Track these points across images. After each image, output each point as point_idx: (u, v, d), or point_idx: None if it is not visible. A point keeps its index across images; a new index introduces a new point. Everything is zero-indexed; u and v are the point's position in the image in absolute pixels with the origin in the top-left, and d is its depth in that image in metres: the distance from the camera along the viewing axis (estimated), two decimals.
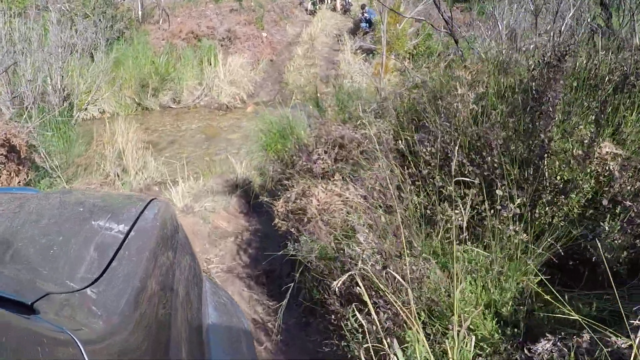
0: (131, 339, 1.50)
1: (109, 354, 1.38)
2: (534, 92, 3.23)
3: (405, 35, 11.66)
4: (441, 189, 3.21)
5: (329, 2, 24.50)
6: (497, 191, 2.87)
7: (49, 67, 10.03)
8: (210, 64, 14.69)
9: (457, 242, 2.77)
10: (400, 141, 3.95)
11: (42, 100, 9.75)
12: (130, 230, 1.92)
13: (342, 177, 3.98)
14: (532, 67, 3.55)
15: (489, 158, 3.07)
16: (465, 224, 2.42)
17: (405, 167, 3.68)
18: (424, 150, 3.50)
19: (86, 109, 10.98)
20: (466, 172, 3.13)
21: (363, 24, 16.64)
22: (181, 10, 17.72)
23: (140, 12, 17.56)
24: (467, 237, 2.81)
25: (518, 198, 2.81)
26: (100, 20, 13.94)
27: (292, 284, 3.97)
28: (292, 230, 4.24)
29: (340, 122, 4.96)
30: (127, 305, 1.58)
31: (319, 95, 7.21)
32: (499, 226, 2.84)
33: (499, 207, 2.88)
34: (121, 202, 2.32)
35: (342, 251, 3.06)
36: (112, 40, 14.75)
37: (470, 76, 4.03)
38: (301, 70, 15.22)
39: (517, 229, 2.75)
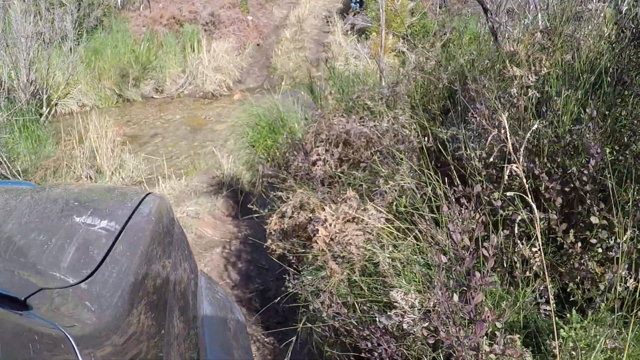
0: (125, 334, 1.46)
1: (103, 350, 1.34)
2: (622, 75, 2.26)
3: (404, 12, 10.58)
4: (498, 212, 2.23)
5: None
6: (592, 218, 1.90)
7: (14, 60, 8.94)
8: (194, 50, 13.59)
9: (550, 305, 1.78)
10: (427, 138, 2.98)
11: (7, 97, 8.68)
12: (125, 225, 1.87)
13: (358, 193, 2.99)
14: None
15: (579, 168, 2.08)
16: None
17: (440, 175, 2.70)
18: (470, 153, 2.50)
19: (56, 104, 9.88)
20: (541, 187, 2.14)
21: (353, 4, 15.49)
22: None
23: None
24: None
25: (624, 229, 1.84)
26: (77, 8, 12.85)
27: (295, 337, 2.98)
28: (290, 256, 3.28)
29: (343, 113, 3.97)
30: (121, 300, 1.54)
31: (312, 80, 6.19)
32: (596, 269, 1.87)
33: (593, 241, 1.91)
34: (116, 197, 2.25)
35: (366, 307, 2.08)
36: (89, 29, 13.67)
37: (525, 52, 3.03)
38: (290, 54, 14.13)
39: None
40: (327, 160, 3.64)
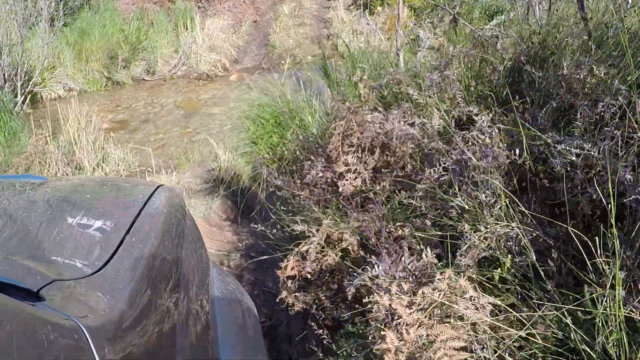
0: (138, 325, 1.45)
1: (115, 341, 1.33)
2: None
3: None
4: None
5: None
6: None
7: None
8: (187, 29, 12.38)
9: None
10: (525, 153, 1.94)
11: None
12: (136, 217, 1.83)
13: (414, 227, 1.94)
14: None
15: None
16: None
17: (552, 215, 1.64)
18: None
19: (32, 91, 8.70)
20: None
21: None
22: None
23: None
24: None
25: None
26: None
27: None
28: (317, 313, 2.24)
29: (377, 105, 2.89)
30: (134, 291, 1.51)
31: (325, 59, 5.04)
32: None
33: None
34: (128, 189, 2.20)
35: None
36: (76, 9, 12.50)
37: None
38: (289, 30, 12.93)
39: None
40: (360, 172, 2.58)
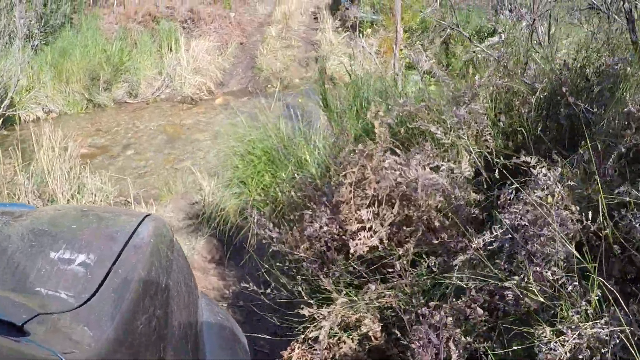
0: (125, 358, 1.42)
1: None
2: None
3: (419, 1, 8.90)
4: None
5: None
6: None
7: None
8: (171, 50, 11.86)
9: None
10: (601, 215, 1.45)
11: None
12: (123, 249, 1.77)
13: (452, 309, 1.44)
14: None
15: None
16: None
17: None
18: None
19: (4, 114, 8.10)
20: None
21: (343, 0, 13.84)
22: None
23: None
24: None
25: None
26: (42, 3, 11.21)
27: None
28: None
29: (394, 145, 2.39)
30: (120, 324, 1.46)
31: (323, 85, 4.52)
32: None
33: None
34: (115, 218, 2.15)
35: None
36: (57, 27, 11.96)
37: None
38: (276, 53, 12.45)
39: None
40: (377, 230, 2.07)
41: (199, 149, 8.69)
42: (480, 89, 2.54)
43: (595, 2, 4.25)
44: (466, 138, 2.23)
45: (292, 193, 2.85)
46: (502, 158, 2.29)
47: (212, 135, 9.33)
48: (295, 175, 3.04)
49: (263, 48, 12.55)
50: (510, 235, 1.62)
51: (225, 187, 4.23)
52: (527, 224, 1.59)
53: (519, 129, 2.60)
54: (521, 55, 3.19)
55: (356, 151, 2.12)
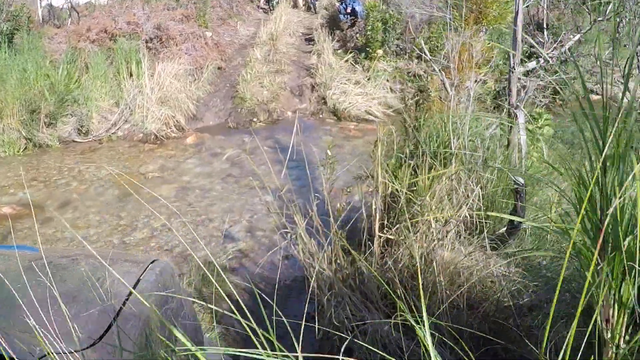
0: None
1: None
2: None
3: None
4: None
5: None
6: None
7: None
8: (132, 75, 9.45)
9: None
10: None
11: None
12: (130, 293, 1.83)
13: None
14: None
15: None
16: None
17: None
18: None
19: None
20: None
21: (342, 16, 11.48)
22: (102, 10, 12.24)
23: (40, 12, 12.25)
24: None
25: None
26: None
27: None
28: None
29: None
30: None
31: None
32: None
33: None
34: (123, 264, 2.22)
35: None
36: None
37: None
38: (262, 79, 10.05)
39: None
40: None
41: (161, 208, 6.18)
42: None
43: None
44: None
45: None
46: None
47: (180, 190, 6.90)
48: None
49: (246, 73, 10.16)
50: None
51: None
52: None
53: None
54: None
55: None
